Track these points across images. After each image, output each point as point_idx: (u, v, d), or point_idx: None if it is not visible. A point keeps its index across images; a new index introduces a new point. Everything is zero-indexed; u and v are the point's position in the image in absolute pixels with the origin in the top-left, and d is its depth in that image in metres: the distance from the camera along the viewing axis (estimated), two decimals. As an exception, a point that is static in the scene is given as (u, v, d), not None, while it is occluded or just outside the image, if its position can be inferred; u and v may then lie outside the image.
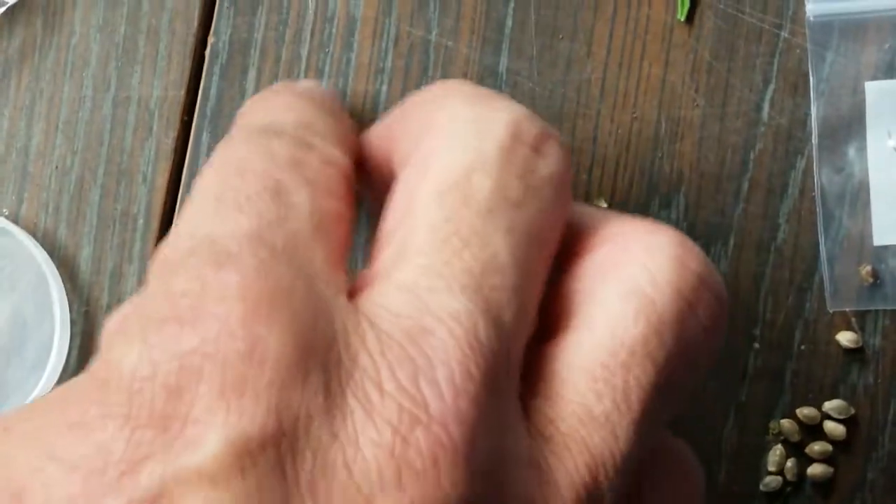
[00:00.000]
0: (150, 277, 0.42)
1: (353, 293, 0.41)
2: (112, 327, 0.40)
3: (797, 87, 0.59)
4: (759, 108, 0.59)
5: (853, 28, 0.59)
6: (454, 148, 0.42)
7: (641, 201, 0.59)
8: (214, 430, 0.36)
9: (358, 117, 0.60)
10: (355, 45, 0.60)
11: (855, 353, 0.59)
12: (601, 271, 0.43)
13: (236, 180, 0.42)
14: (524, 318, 0.41)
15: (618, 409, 0.41)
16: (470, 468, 0.37)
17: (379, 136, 0.49)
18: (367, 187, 0.48)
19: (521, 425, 0.40)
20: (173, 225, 0.42)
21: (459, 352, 0.38)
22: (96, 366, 0.40)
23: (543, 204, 0.43)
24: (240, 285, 0.38)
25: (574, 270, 0.44)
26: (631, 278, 0.42)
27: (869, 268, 0.58)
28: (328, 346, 0.38)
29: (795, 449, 0.58)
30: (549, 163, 0.43)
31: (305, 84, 0.52)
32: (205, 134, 0.60)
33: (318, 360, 0.38)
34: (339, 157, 0.45)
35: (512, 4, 0.60)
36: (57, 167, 0.61)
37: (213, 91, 0.60)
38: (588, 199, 0.59)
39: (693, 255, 0.43)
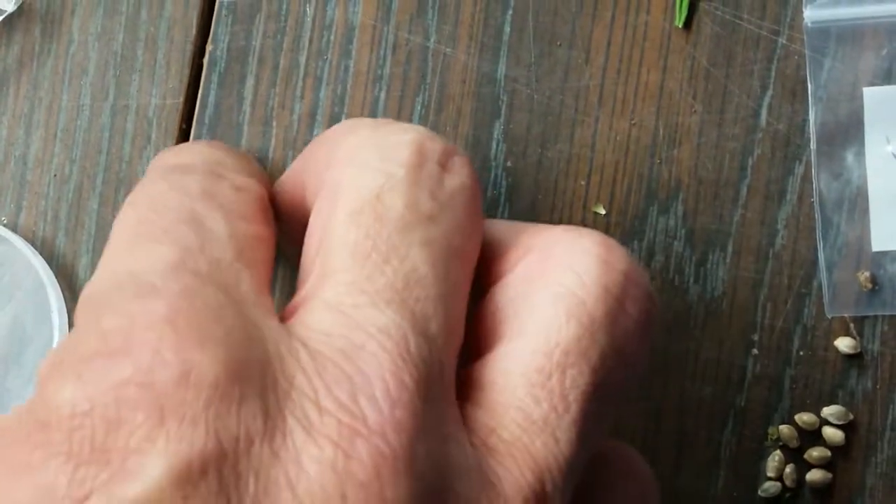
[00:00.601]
0: (78, 318, 0.42)
1: (282, 320, 0.41)
2: (45, 370, 0.40)
3: (795, 94, 0.59)
4: (757, 115, 0.59)
5: (851, 34, 0.59)
6: (362, 172, 0.43)
7: (639, 208, 0.59)
8: (155, 458, 0.36)
9: (356, 125, 0.60)
10: (353, 53, 0.60)
11: (854, 359, 0.58)
12: (528, 281, 0.44)
13: (152, 215, 0.43)
14: (451, 328, 0.41)
15: (556, 411, 0.41)
16: (412, 476, 0.37)
17: (289, 178, 0.50)
18: (286, 235, 0.49)
19: (463, 435, 0.40)
20: (98, 265, 0.43)
21: (392, 364, 0.38)
22: (33, 406, 0.39)
23: (456, 216, 0.43)
24: (167, 312, 0.39)
25: (501, 285, 0.45)
26: (559, 282, 0.43)
27: (867, 273, 0.58)
28: (263, 367, 0.38)
29: (794, 455, 0.58)
30: (456, 177, 0.44)
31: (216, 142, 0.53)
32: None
33: (253, 381, 0.38)
34: (250, 184, 0.46)
35: (510, 11, 0.59)
36: (55, 175, 0.60)
37: (211, 99, 0.60)
38: (586, 205, 0.59)
39: (617, 254, 0.43)
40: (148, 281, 0.40)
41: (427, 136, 0.45)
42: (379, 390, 0.38)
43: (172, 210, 0.43)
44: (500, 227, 0.46)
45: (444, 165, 0.44)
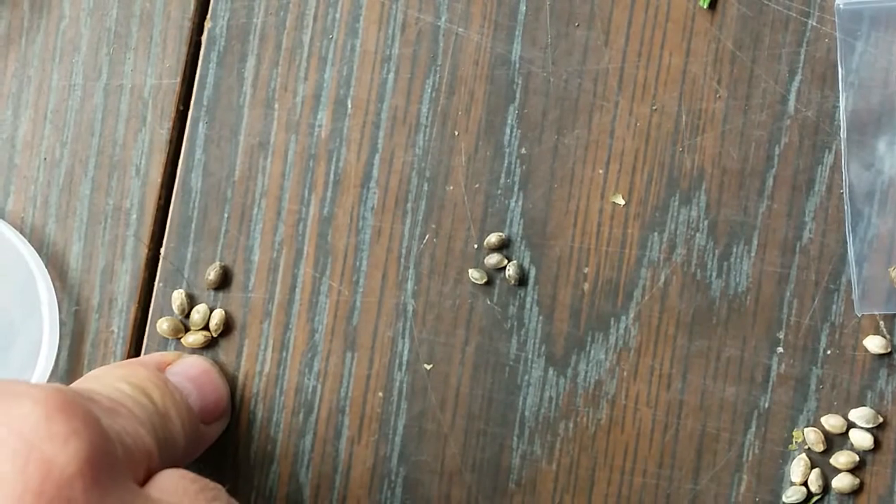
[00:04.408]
0: None
1: None
2: None
3: (825, 79, 0.57)
4: (784, 101, 0.57)
5: (885, 17, 0.56)
6: None
7: (660, 198, 0.57)
8: None
9: (363, 109, 0.57)
10: (360, 32, 0.58)
11: (883, 359, 0.56)
12: None
13: None
14: None
15: None
16: None
17: None
18: None
19: None
20: None
21: None
22: None
23: None
24: None
25: None
26: None
27: (899, 269, 0.56)
28: None
29: (820, 459, 0.56)
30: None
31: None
32: (201, 124, 0.58)
33: None
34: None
35: (524, -12, 0.57)
36: (45, 159, 0.58)
37: (209, 79, 0.58)
38: (604, 195, 0.57)
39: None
40: None
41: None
42: None
43: None
44: None
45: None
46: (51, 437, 0.42)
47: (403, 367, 0.57)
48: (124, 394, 0.50)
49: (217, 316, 0.57)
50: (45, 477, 0.42)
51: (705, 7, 0.57)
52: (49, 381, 0.57)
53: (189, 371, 0.56)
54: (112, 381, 0.51)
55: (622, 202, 0.57)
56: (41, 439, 0.42)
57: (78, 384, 0.52)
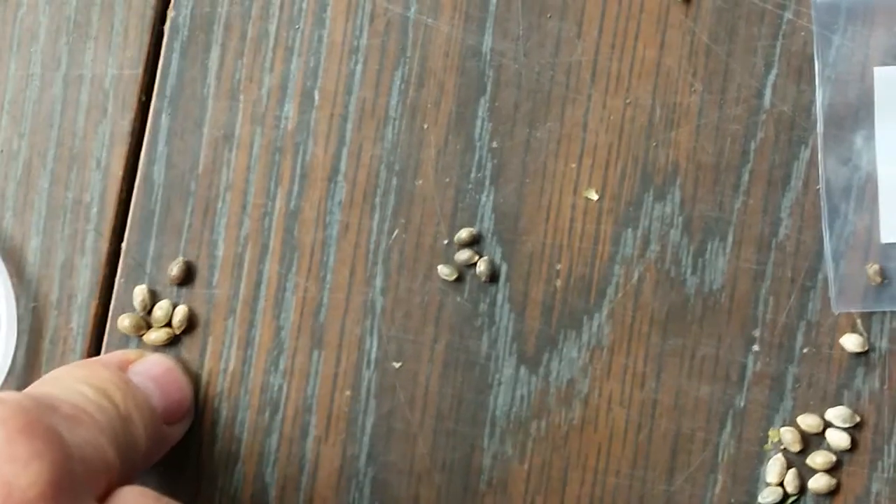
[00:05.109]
0: None
1: None
2: None
3: (801, 73, 0.56)
4: (760, 95, 0.56)
5: (861, 10, 0.55)
6: None
7: (634, 193, 0.56)
8: None
9: (331, 101, 0.56)
10: (327, 22, 0.56)
11: (860, 358, 0.55)
12: None
13: None
14: None
15: None
16: None
17: None
18: None
19: None
20: None
21: None
22: None
23: None
24: None
25: None
26: None
27: (876, 266, 0.55)
28: None
29: (796, 459, 0.55)
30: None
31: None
32: (164, 116, 0.56)
33: None
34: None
35: (494, -21, 0.56)
36: (2, 151, 0.56)
37: (172, 69, 0.56)
38: (576, 190, 0.56)
39: None
40: None
41: None
42: None
43: None
44: None
45: None
46: (12, 459, 0.42)
47: (371, 366, 0.56)
48: (86, 398, 0.49)
49: (180, 312, 0.56)
50: (4, 500, 0.42)
51: (680, -1, 0.56)
52: (6, 379, 0.55)
53: (151, 370, 0.54)
54: (73, 383, 0.50)
55: (595, 197, 0.56)
56: (2, 462, 0.42)
57: (38, 386, 0.50)
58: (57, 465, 0.42)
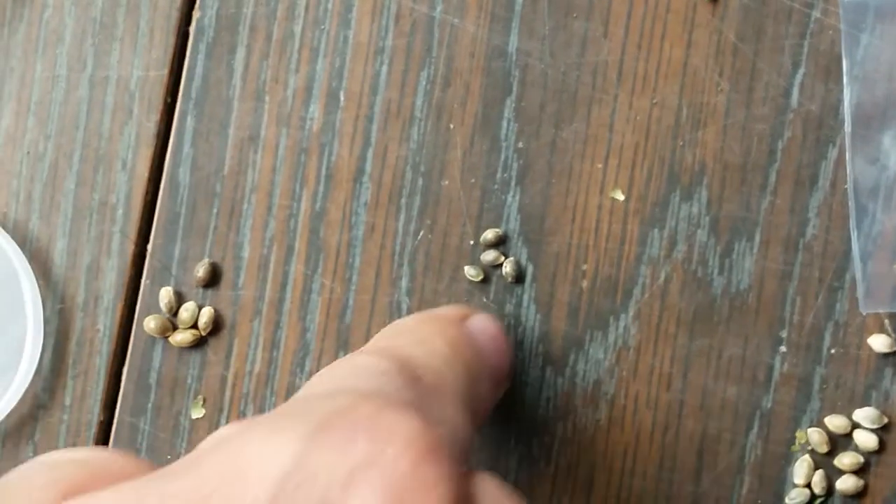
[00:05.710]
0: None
1: None
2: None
3: (829, 72, 0.55)
4: (787, 94, 0.55)
5: (890, 9, 0.55)
6: None
7: (661, 194, 0.55)
8: None
9: (356, 101, 0.56)
10: (353, 22, 0.56)
11: (888, 358, 0.55)
12: None
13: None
14: None
15: None
16: None
17: None
18: None
19: None
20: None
21: None
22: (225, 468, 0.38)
23: None
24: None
25: None
26: None
27: (905, 267, 0.55)
28: None
29: (824, 460, 0.55)
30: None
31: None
32: (189, 117, 0.56)
33: None
34: None
35: (520, -22, 0.56)
36: (28, 152, 0.56)
37: (198, 71, 0.56)
38: (603, 191, 0.55)
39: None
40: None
41: None
42: None
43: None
44: None
45: None
46: (420, 486, 0.39)
47: (397, 367, 0.56)
48: (444, 360, 0.47)
49: (206, 314, 0.56)
50: None
51: (707, -2, 0.55)
52: (32, 379, 0.55)
53: (487, 330, 0.51)
54: (429, 337, 0.48)
55: (621, 198, 0.56)
56: (410, 490, 0.39)
57: (392, 338, 0.49)
58: (456, 490, 0.40)
